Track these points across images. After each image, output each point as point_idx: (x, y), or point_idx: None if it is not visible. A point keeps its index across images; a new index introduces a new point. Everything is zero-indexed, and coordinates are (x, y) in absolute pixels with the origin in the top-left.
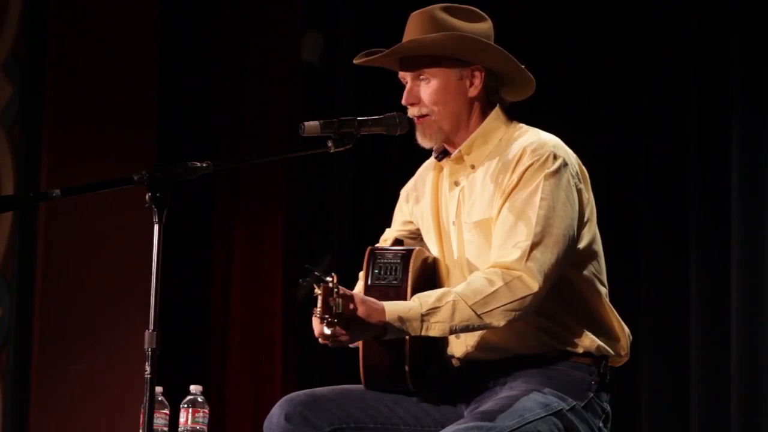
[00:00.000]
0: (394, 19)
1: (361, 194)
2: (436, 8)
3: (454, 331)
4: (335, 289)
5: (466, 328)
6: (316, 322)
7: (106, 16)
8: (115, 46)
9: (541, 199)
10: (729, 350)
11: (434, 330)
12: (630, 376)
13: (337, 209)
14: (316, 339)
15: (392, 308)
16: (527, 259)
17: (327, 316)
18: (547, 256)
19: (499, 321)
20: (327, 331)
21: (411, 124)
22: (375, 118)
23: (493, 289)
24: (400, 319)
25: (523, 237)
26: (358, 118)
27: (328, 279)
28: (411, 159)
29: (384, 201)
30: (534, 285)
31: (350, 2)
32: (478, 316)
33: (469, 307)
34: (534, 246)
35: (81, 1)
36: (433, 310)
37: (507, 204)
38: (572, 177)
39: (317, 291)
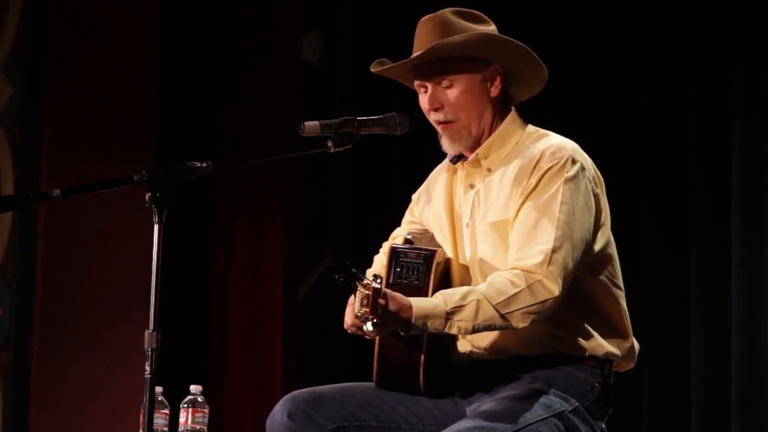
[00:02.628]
0: (394, 20)
1: (361, 194)
2: (446, 12)
3: (476, 330)
4: (382, 291)
5: (488, 328)
6: (349, 313)
7: (106, 16)
8: (115, 46)
9: (562, 203)
10: (729, 350)
11: (456, 328)
12: (630, 376)
13: (337, 209)
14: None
15: (419, 305)
16: (549, 263)
17: (373, 317)
18: (567, 261)
19: (518, 322)
20: (370, 327)
21: (411, 124)
22: (375, 118)
23: (515, 290)
24: (426, 315)
25: (545, 240)
26: (358, 118)
27: (377, 281)
28: (411, 159)
29: (384, 201)
30: (555, 289)
31: (350, 2)
32: (501, 316)
33: (493, 306)
34: (555, 250)
35: (81, 1)
36: (457, 309)
37: (526, 206)
38: (589, 182)
39: (364, 291)
